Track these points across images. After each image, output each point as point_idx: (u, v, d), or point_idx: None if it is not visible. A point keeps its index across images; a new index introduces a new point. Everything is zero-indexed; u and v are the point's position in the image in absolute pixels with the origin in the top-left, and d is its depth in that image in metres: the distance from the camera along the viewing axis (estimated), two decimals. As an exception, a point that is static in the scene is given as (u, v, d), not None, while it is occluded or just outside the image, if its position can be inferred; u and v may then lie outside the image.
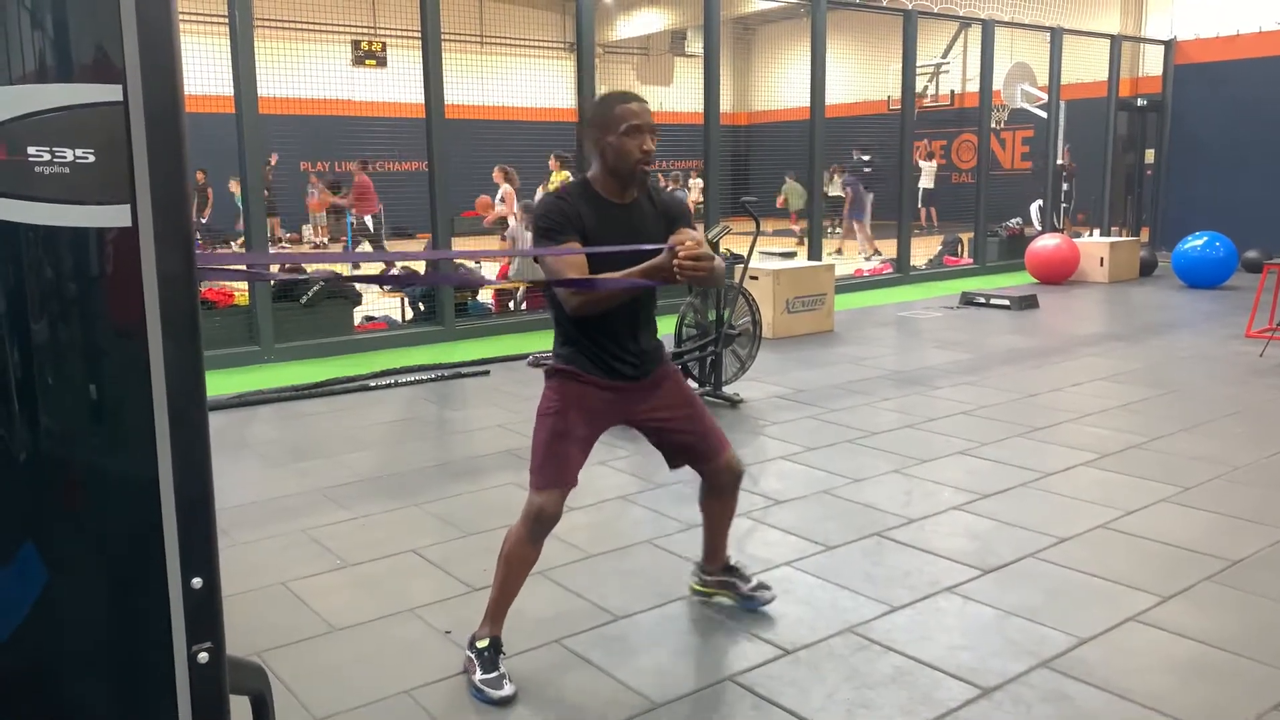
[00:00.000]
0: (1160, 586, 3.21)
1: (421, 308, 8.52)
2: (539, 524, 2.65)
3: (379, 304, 9.00)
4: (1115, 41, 13.80)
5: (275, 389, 6.23)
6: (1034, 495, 4.15)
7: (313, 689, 2.65)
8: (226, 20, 6.95)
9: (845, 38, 16.42)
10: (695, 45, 18.51)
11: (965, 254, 13.22)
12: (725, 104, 10.18)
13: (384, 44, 15.09)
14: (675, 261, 2.39)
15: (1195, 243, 10.78)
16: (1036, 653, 2.79)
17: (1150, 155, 14.39)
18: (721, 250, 7.74)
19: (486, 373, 6.77)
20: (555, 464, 2.65)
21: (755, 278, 7.41)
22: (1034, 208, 13.87)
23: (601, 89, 15.57)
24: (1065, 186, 13.49)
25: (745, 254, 6.30)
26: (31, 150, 1.24)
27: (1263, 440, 4.88)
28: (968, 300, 9.83)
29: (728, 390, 5.84)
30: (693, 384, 5.84)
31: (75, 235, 1.28)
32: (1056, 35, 12.97)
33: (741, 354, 6.02)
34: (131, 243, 1.30)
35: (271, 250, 10.50)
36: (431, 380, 6.55)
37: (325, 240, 15.73)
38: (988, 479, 4.34)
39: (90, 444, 1.35)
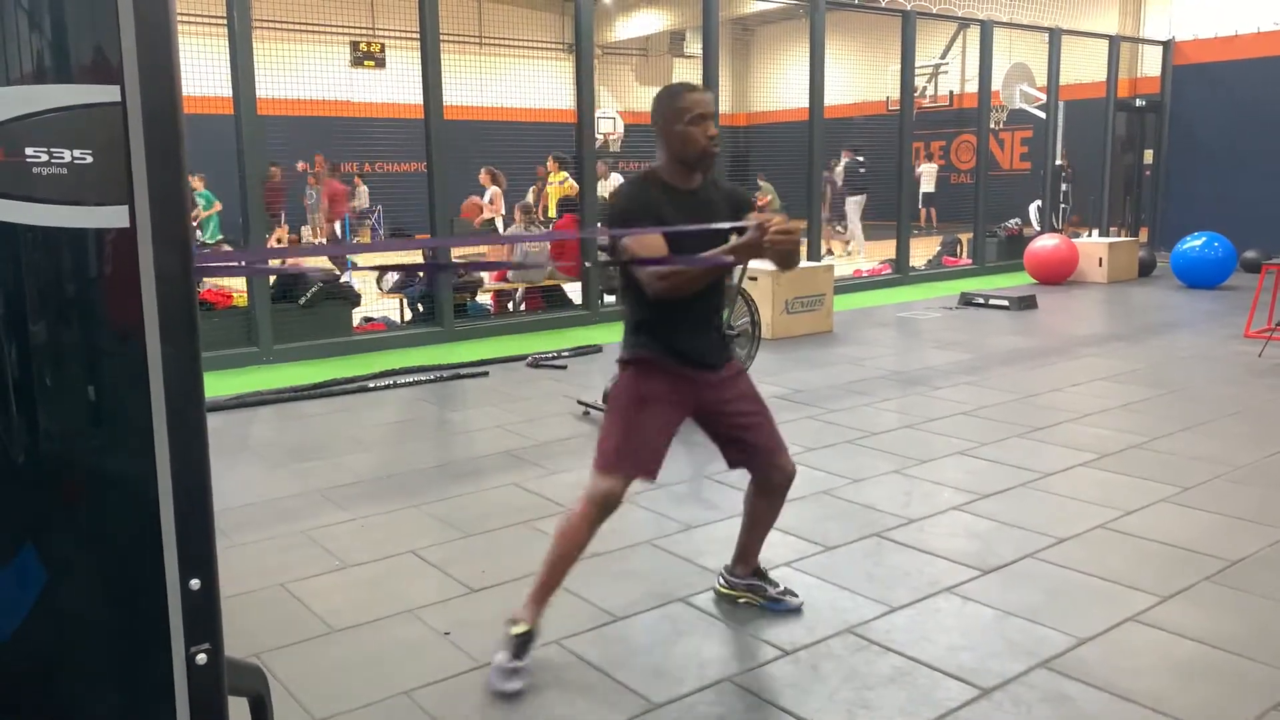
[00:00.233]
0: (1160, 586, 3.21)
1: (420, 308, 8.52)
2: (604, 509, 2.68)
3: (378, 305, 9.00)
4: (1114, 42, 13.81)
5: (274, 390, 6.23)
6: (1033, 495, 4.15)
7: (312, 690, 2.65)
8: (225, 21, 6.95)
9: (844, 38, 16.43)
10: (694, 46, 18.54)
11: (964, 254, 13.23)
12: (724, 105, 10.19)
13: (382, 45, 15.10)
14: (769, 236, 2.48)
15: (1194, 243, 10.78)
16: (1036, 653, 2.79)
17: (1149, 156, 14.39)
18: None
19: (486, 374, 6.76)
20: (636, 452, 2.70)
21: (754, 278, 7.41)
22: (1033, 208, 13.87)
23: (601, 90, 15.57)
24: (1064, 187, 13.49)
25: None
26: (29, 151, 1.23)
27: (1262, 440, 4.88)
28: (967, 301, 9.84)
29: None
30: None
31: (73, 236, 1.28)
32: (1055, 36, 12.97)
33: (740, 354, 6.02)
34: (129, 243, 1.30)
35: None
36: (431, 381, 6.54)
37: (324, 241, 15.71)
38: (987, 479, 4.34)
39: (88, 445, 1.34)
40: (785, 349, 7.40)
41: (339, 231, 14.15)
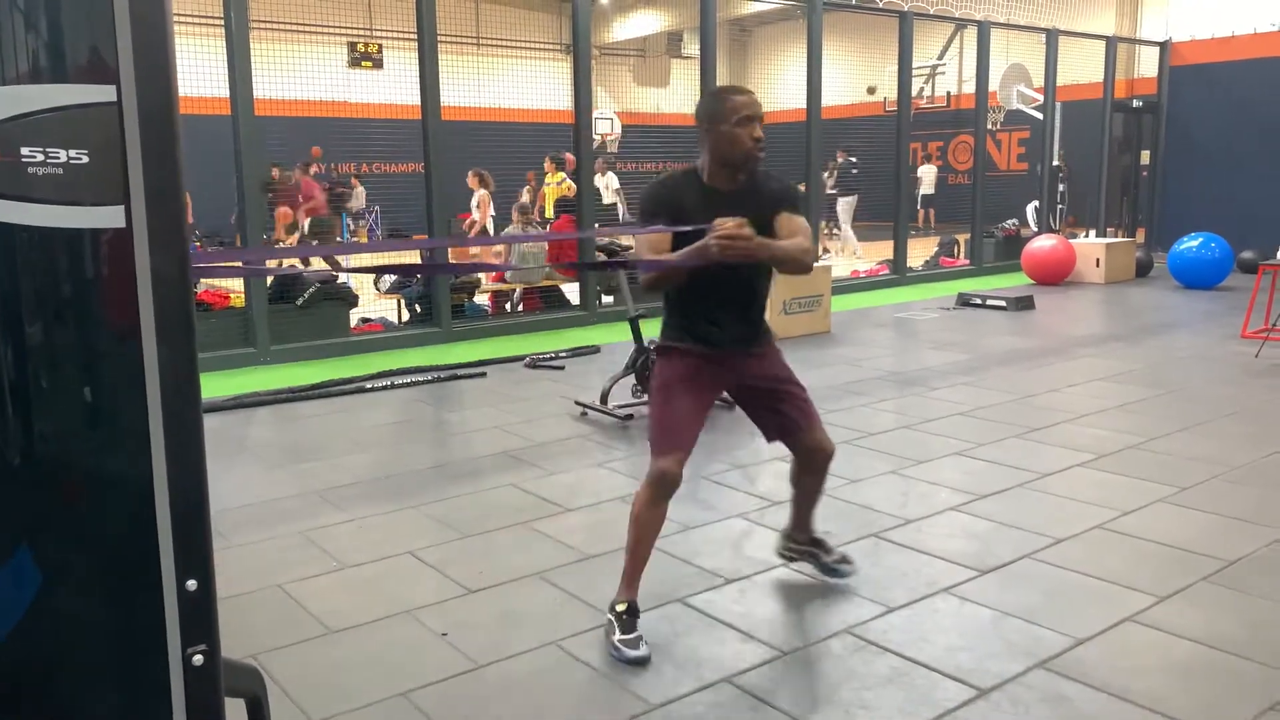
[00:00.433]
0: (1157, 587, 3.21)
1: (418, 309, 8.51)
2: (662, 486, 2.84)
3: (375, 306, 9.00)
4: (1110, 43, 13.82)
5: (271, 391, 6.22)
6: (1031, 496, 4.15)
7: (309, 691, 2.65)
8: (222, 22, 6.94)
9: (841, 39, 16.43)
10: (692, 47, 18.55)
11: (961, 255, 13.24)
12: (722, 105, 10.16)
13: (380, 45, 15.08)
14: (713, 240, 2.56)
15: (1191, 243, 10.80)
16: (1034, 653, 2.79)
17: (1146, 156, 14.41)
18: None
19: (483, 374, 6.76)
20: (670, 431, 2.86)
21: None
22: (1030, 209, 13.88)
23: (598, 90, 15.57)
24: (1061, 188, 13.51)
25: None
26: (25, 151, 1.23)
27: (1259, 440, 4.89)
28: (964, 301, 9.84)
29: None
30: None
31: (69, 236, 1.28)
32: (1052, 37, 12.98)
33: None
34: (125, 244, 1.30)
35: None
36: (428, 382, 6.54)
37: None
38: (985, 480, 4.34)
39: (84, 446, 1.34)
40: (783, 349, 7.37)
41: (307, 229, 14.05)
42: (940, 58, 18.53)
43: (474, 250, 10.99)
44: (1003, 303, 9.49)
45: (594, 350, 7.52)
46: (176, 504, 1.36)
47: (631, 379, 5.69)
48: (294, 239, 11.86)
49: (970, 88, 13.23)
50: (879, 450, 4.82)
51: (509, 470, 4.59)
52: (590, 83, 8.90)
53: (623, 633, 2.81)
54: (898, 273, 11.66)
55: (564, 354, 7.35)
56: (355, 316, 8.18)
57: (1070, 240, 12.03)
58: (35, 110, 1.24)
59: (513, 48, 18.12)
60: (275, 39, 10.57)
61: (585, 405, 5.66)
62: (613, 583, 3.01)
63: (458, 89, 9.13)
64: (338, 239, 13.99)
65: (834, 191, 14.61)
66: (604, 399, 5.57)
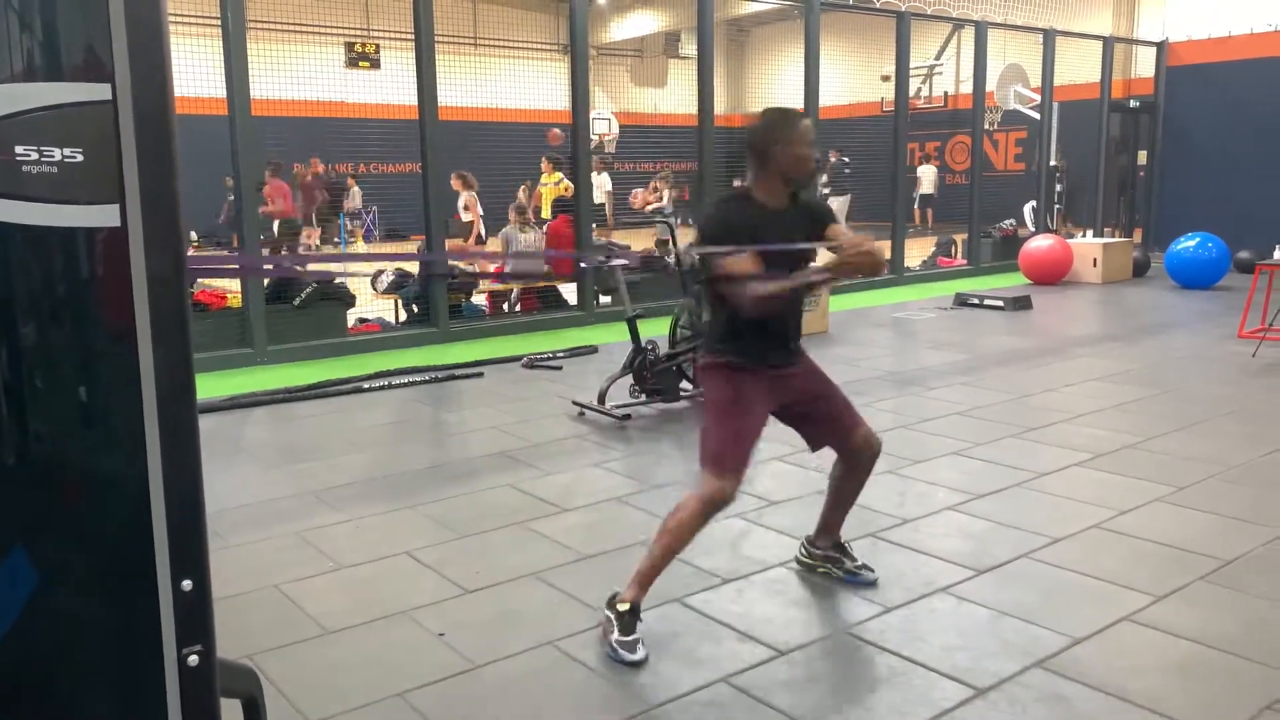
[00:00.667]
0: (1154, 586, 3.21)
1: (415, 309, 8.51)
2: (716, 505, 2.86)
3: (372, 306, 8.99)
4: (1107, 43, 13.84)
5: (268, 391, 6.21)
6: (1028, 495, 4.15)
7: (305, 692, 2.64)
8: (219, 22, 6.93)
9: (839, 39, 16.44)
10: (689, 47, 18.52)
11: (959, 255, 13.24)
12: (719, 106, 10.19)
13: (377, 46, 15.07)
14: (850, 255, 2.73)
15: (1188, 243, 10.81)
16: (1031, 653, 2.79)
17: (1143, 156, 14.42)
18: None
19: (480, 375, 6.75)
20: (734, 451, 2.87)
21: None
22: (1027, 209, 13.90)
23: (596, 91, 15.58)
24: (1059, 188, 13.52)
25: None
26: (19, 149, 1.23)
27: (1256, 440, 4.89)
28: (962, 301, 9.85)
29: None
30: (686, 385, 5.84)
31: (64, 235, 1.27)
32: (1049, 37, 13.00)
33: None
34: (120, 243, 1.29)
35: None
36: (425, 382, 6.53)
37: (317, 243, 15.66)
38: (982, 479, 4.35)
39: (80, 446, 1.34)
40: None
41: (276, 230, 14.01)
42: (938, 58, 18.54)
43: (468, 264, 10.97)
44: (1000, 303, 9.50)
45: (591, 350, 7.52)
46: (172, 504, 1.36)
47: (629, 379, 5.68)
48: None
49: (968, 88, 13.24)
50: (876, 450, 4.82)
51: (506, 470, 4.58)
52: (588, 83, 8.89)
53: (622, 633, 2.80)
54: (895, 273, 11.66)
55: (561, 354, 7.35)
56: (352, 317, 8.17)
57: (1067, 240, 12.04)
58: (30, 108, 1.23)
59: (510, 48, 18.12)
60: (272, 39, 10.56)
61: (583, 405, 5.66)
62: (610, 582, 3.01)
63: (455, 89, 9.13)
64: (310, 242, 13.85)
65: (826, 191, 14.60)
66: (601, 399, 5.57)
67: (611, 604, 2.88)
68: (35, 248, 1.27)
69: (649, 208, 13.79)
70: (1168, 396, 5.88)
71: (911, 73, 12.82)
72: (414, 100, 7.89)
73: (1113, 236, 13.39)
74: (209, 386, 6.18)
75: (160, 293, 1.32)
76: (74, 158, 1.25)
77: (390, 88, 10.24)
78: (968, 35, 13.27)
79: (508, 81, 14.77)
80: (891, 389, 6.22)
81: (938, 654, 2.80)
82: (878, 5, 12.35)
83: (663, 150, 15.47)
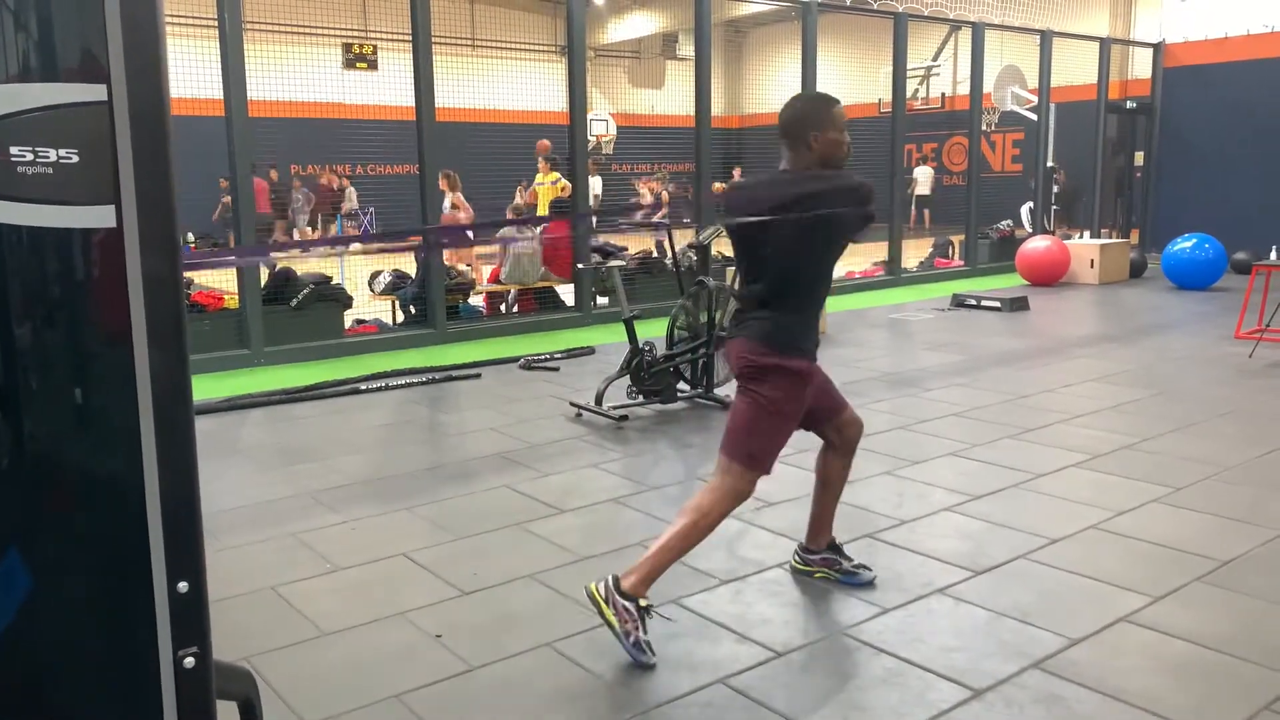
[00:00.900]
0: (1151, 587, 3.22)
1: (413, 310, 8.50)
2: (739, 501, 2.89)
3: (370, 307, 8.99)
4: (1104, 44, 13.86)
5: (265, 392, 6.21)
6: (1025, 496, 4.15)
7: (302, 694, 2.64)
8: (216, 23, 6.93)
9: (836, 40, 16.46)
10: (687, 48, 18.53)
11: (956, 256, 13.25)
12: (717, 107, 10.19)
13: (375, 47, 15.07)
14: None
15: (1185, 244, 10.83)
16: (1028, 654, 2.79)
17: (1140, 157, 14.44)
18: (713, 253, 7.74)
19: (478, 376, 6.75)
20: (772, 454, 2.91)
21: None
22: (1024, 210, 13.91)
23: (593, 92, 15.58)
24: (1056, 189, 13.53)
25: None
26: (14, 150, 1.22)
27: (1253, 441, 4.90)
28: (959, 302, 9.86)
29: (719, 392, 5.84)
30: (683, 386, 5.84)
31: (59, 236, 1.27)
32: (1046, 38, 13.01)
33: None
34: (116, 244, 1.29)
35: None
36: (423, 384, 6.53)
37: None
38: (979, 480, 4.35)
39: (74, 447, 1.33)
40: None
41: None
42: (935, 59, 18.56)
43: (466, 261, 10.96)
44: (997, 304, 9.51)
45: (589, 351, 7.52)
46: (168, 505, 1.36)
47: (626, 380, 5.68)
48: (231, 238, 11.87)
49: (965, 89, 13.26)
50: (874, 451, 4.82)
51: (503, 472, 4.58)
52: (585, 84, 8.90)
53: (645, 632, 2.76)
54: (892, 274, 11.67)
55: (559, 355, 7.35)
56: (350, 318, 8.17)
57: (1064, 241, 12.06)
58: (25, 109, 1.23)
59: (508, 49, 18.12)
60: (270, 41, 10.55)
61: (580, 406, 5.65)
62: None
63: (453, 90, 9.13)
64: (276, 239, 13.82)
65: None
66: (599, 400, 5.56)
67: (632, 597, 2.78)
68: (31, 249, 1.26)
69: (640, 215, 13.78)
70: (1165, 397, 5.89)
71: (909, 74, 12.83)
72: (411, 101, 7.89)
73: (1110, 238, 13.41)
74: (206, 388, 6.18)
75: (156, 294, 1.32)
76: (69, 159, 1.25)
77: (388, 89, 10.23)
78: (965, 36, 13.29)
79: (505, 83, 14.77)
80: (889, 390, 6.22)
81: (935, 655, 2.80)
82: (875, 6, 12.36)
83: (660, 151, 15.49)
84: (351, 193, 16.63)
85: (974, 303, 9.75)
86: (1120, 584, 3.25)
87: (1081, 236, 13.41)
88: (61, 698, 1.37)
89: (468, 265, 9.80)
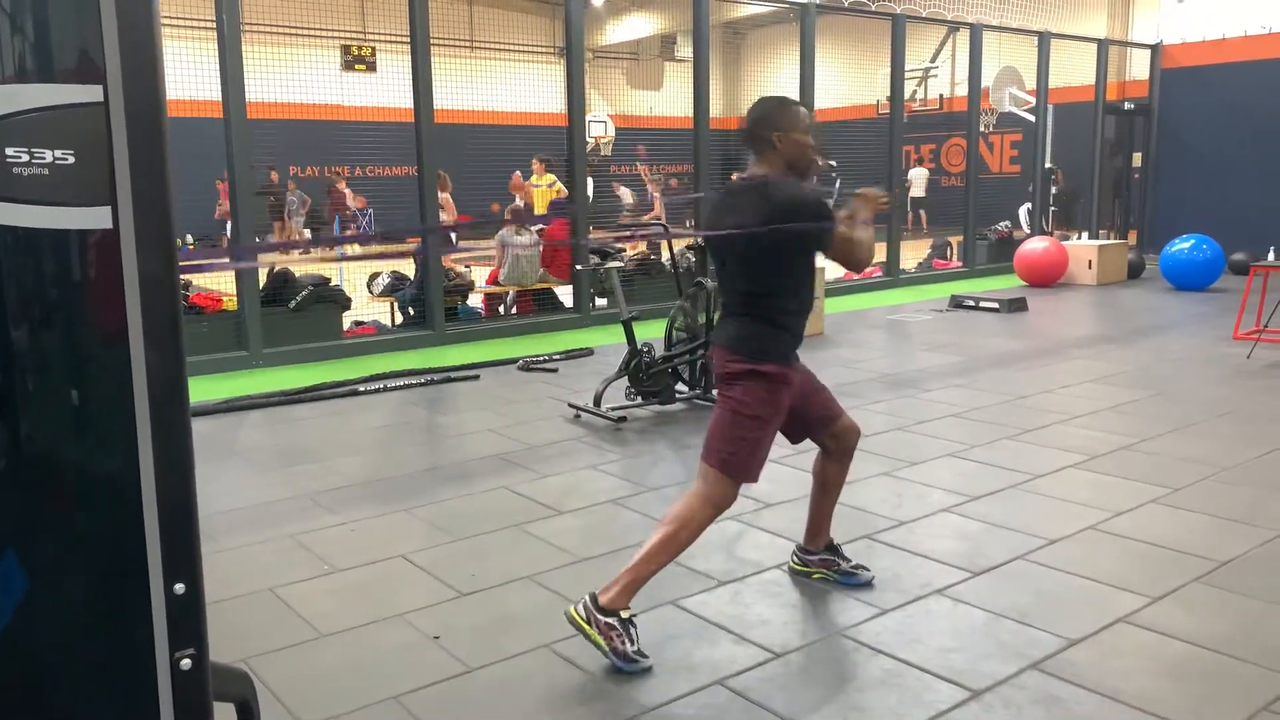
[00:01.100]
0: (1150, 588, 3.22)
1: (411, 312, 8.50)
2: (718, 509, 2.87)
3: (368, 309, 8.98)
4: (1102, 45, 13.87)
5: (264, 394, 6.20)
6: (1024, 497, 4.15)
7: (300, 695, 2.63)
8: (214, 25, 6.92)
9: (834, 42, 16.46)
10: (685, 50, 18.55)
11: (954, 257, 13.25)
12: (715, 108, 10.20)
13: (373, 49, 15.07)
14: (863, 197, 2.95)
15: (1182, 245, 10.83)
16: (1026, 654, 2.79)
17: (1138, 158, 14.46)
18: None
19: (476, 377, 6.75)
20: (757, 462, 2.87)
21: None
22: (1023, 211, 13.92)
23: (592, 94, 15.58)
24: (1054, 189, 13.54)
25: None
26: (10, 151, 1.22)
27: (1251, 441, 4.90)
28: (957, 303, 9.86)
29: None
30: (682, 387, 5.84)
31: (55, 237, 1.27)
32: (1044, 39, 13.02)
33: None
34: (112, 245, 1.29)
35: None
36: (421, 385, 6.53)
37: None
38: (977, 481, 4.35)
39: (71, 448, 1.33)
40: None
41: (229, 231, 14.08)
42: (933, 60, 18.57)
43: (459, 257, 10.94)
44: (995, 304, 9.51)
45: (587, 353, 7.52)
46: (164, 507, 1.36)
47: (625, 381, 5.68)
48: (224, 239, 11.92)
49: (963, 90, 13.27)
50: (872, 452, 4.82)
51: (501, 473, 4.58)
52: (584, 85, 8.90)
53: (634, 642, 2.74)
54: (891, 275, 11.67)
55: (557, 356, 7.35)
56: (348, 319, 8.16)
57: (1062, 242, 12.07)
58: (21, 110, 1.23)
59: (506, 51, 18.12)
60: (268, 42, 10.55)
61: (579, 408, 5.65)
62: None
63: (451, 92, 9.12)
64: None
65: None
66: (597, 401, 5.56)
67: (613, 611, 2.76)
68: (27, 250, 1.26)
69: (644, 218, 13.79)
70: (1163, 398, 5.89)
71: (907, 75, 12.83)
72: (410, 103, 7.89)
73: (1108, 238, 13.42)
74: (204, 389, 6.17)
75: (152, 295, 1.32)
76: (65, 159, 1.25)
77: (386, 90, 10.23)
78: (963, 38, 13.29)
79: (504, 84, 14.76)
80: (887, 391, 6.22)
81: (933, 656, 2.80)
82: (873, 8, 12.37)
83: (659, 152, 15.48)
84: (348, 195, 16.63)
85: (972, 304, 9.75)
86: (1118, 585, 3.25)
87: (1080, 237, 13.42)
88: (58, 699, 1.37)
89: (466, 267, 9.79)
